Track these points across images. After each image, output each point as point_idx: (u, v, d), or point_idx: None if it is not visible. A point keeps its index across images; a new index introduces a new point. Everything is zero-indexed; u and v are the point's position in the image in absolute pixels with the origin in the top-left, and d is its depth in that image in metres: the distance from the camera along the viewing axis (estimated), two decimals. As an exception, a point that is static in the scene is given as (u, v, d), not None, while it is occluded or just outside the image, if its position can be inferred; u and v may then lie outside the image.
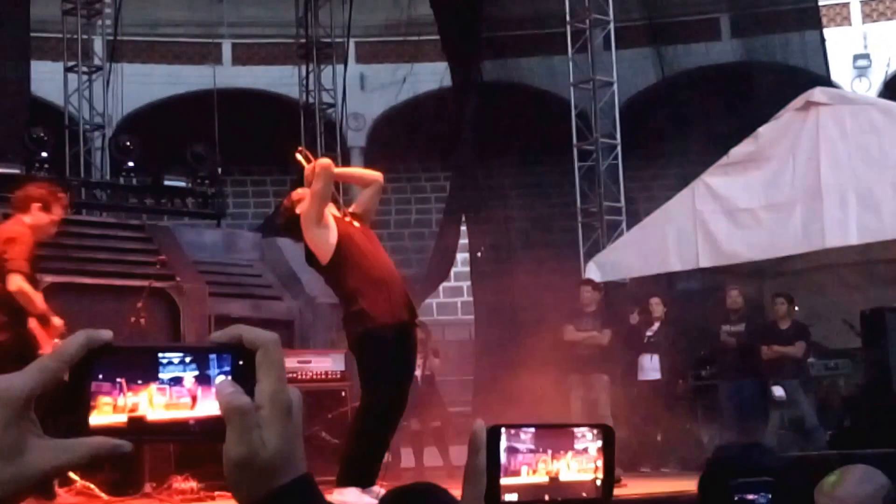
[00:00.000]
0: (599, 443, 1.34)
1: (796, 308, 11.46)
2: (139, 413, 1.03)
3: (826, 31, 16.21)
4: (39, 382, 0.98)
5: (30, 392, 0.98)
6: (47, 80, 17.44)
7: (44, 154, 14.32)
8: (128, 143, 15.11)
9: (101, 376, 1.02)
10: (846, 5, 18.73)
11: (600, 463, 1.33)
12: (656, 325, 11.86)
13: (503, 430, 1.29)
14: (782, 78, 14.01)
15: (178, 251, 11.14)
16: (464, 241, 17.20)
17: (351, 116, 19.84)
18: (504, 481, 1.27)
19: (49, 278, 9.98)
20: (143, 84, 19.17)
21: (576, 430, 1.34)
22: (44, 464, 0.98)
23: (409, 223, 21.01)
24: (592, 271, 12.36)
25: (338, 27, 19.40)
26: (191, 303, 10.14)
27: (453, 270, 17.93)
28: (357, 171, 7.03)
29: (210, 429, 1.04)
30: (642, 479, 8.83)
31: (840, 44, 17.45)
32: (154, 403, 1.03)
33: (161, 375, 1.04)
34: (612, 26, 15.15)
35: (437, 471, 10.88)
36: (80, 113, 16.95)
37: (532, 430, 1.31)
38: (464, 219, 16.96)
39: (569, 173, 14.92)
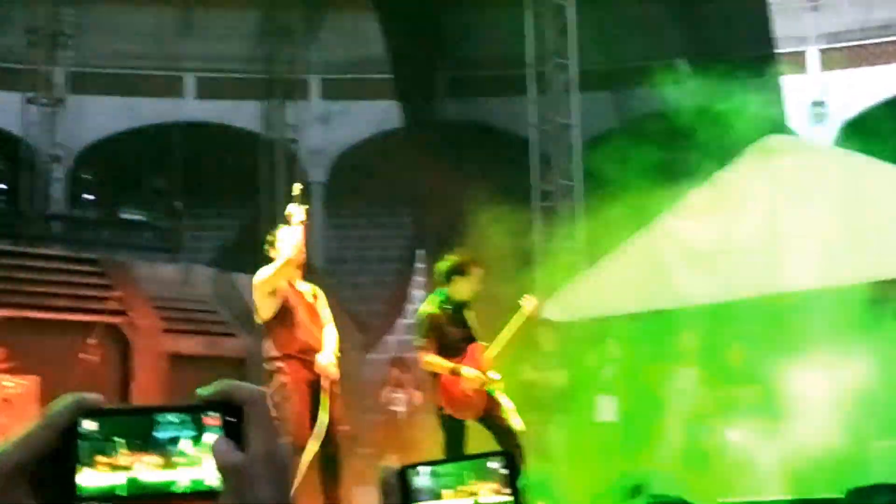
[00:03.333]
0: (506, 470, 1.35)
1: (749, 351, 11.50)
2: (132, 474, 1.03)
3: (783, 78, 16.41)
4: (30, 451, 0.98)
5: (20, 462, 0.97)
6: (7, 110, 17.32)
7: (1, 185, 14.23)
8: (86, 176, 15.04)
9: (94, 438, 1.02)
10: (803, 53, 18.98)
11: (509, 490, 1.35)
12: (611, 367, 11.87)
13: (415, 469, 1.30)
14: (740, 123, 14.14)
15: (132, 286, 11.06)
16: (422, 278, 17.20)
17: (313, 152, 19.84)
18: None
19: (0, 312, 9.88)
20: (104, 116, 19.06)
21: (477, 461, 1.37)
22: None
23: (370, 259, 20.96)
24: (550, 311, 12.36)
25: (302, 63, 19.45)
26: (144, 339, 10.06)
27: (411, 308, 17.88)
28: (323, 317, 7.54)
29: (204, 488, 1.04)
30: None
31: (797, 91, 17.65)
32: (147, 464, 1.04)
33: (154, 435, 1.04)
34: (572, 70, 15.25)
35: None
36: (40, 144, 16.84)
37: (444, 463, 1.33)
38: (424, 254, 16.96)
39: (528, 213, 14.97)
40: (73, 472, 1.01)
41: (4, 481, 0.97)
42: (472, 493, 1.33)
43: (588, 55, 16.05)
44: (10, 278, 11.00)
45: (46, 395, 8.76)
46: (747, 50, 15.11)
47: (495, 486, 1.34)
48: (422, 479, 1.30)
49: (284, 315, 7.29)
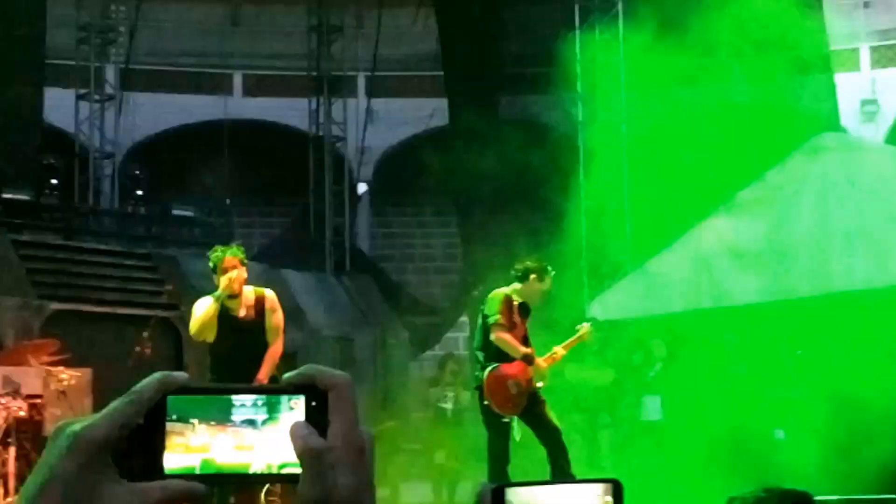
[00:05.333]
0: (610, 498, 1.28)
1: (798, 351, 11.42)
2: (211, 455, 1.04)
3: (836, 76, 16.25)
4: (116, 427, 0.99)
5: (106, 437, 0.98)
6: (59, 107, 17.51)
7: (54, 181, 14.40)
8: (137, 172, 15.19)
9: (175, 417, 1.03)
10: (855, 51, 18.81)
11: None
12: (658, 366, 11.83)
13: (512, 488, 1.26)
14: (792, 121, 14.02)
15: (183, 281, 11.16)
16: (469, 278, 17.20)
17: (359, 150, 19.90)
18: None
19: (54, 305, 10.04)
20: (154, 113, 19.24)
21: (580, 486, 1.30)
22: None
23: (414, 258, 21.01)
24: (596, 310, 12.35)
25: (349, 61, 19.51)
26: (195, 333, 10.14)
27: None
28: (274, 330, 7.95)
29: (280, 471, 1.05)
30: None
31: (848, 89, 17.49)
32: (226, 445, 1.04)
33: (234, 417, 1.05)
34: (621, 66, 15.19)
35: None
36: (91, 140, 17.02)
37: (534, 487, 1.28)
38: (464, 252, 16.97)
39: (576, 211, 14.93)
40: (159, 450, 1.02)
41: (89, 454, 0.97)
42: None
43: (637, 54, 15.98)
44: (64, 272, 11.17)
45: (99, 388, 8.88)
46: (802, 46, 14.98)
47: None
48: (519, 499, 1.25)
49: (216, 346, 7.70)
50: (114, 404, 1.00)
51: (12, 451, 7.99)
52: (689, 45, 15.89)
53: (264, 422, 1.05)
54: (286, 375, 1.07)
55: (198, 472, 1.03)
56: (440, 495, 12.11)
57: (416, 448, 12.56)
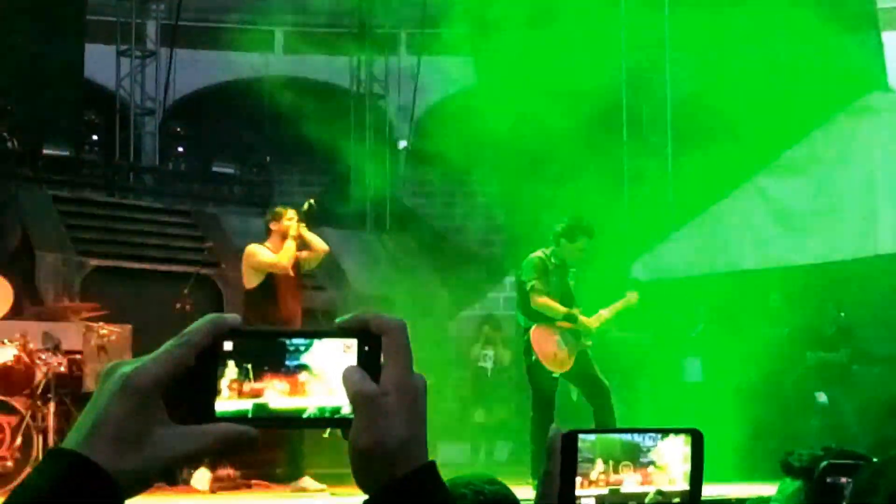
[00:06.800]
0: (685, 449, 1.28)
1: (842, 314, 11.29)
2: (263, 399, 1.02)
3: (884, 35, 15.94)
4: (167, 369, 0.98)
5: (157, 379, 0.97)
6: (100, 63, 17.53)
7: (94, 137, 14.46)
8: (178, 129, 15.21)
9: (227, 360, 1.02)
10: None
11: (680, 473, 1.27)
12: (700, 327, 11.75)
13: (585, 434, 1.26)
14: (839, 80, 13.81)
15: (223, 238, 11.20)
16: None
17: (400, 109, 19.83)
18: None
19: (94, 262, 10.09)
20: (195, 69, 19.23)
21: (654, 434, 1.29)
22: (170, 451, 0.98)
23: (455, 217, 20.95)
24: (638, 270, 12.28)
25: (392, 17, 19.38)
26: (235, 290, 10.19)
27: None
28: (316, 243, 8.62)
29: (333, 416, 1.04)
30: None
31: (894, 47, 17.16)
32: (279, 390, 1.03)
33: (287, 362, 1.03)
34: (667, 23, 15.01)
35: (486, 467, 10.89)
36: (132, 97, 17.05)
37: (603, 436, 1.28)
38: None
39: (619, 171, 14.82)
40: (211, 394, 1.01)
41: (140, 396, 0.96)
42: (611, 483, 1.27)
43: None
44: (105, 229, 11.25)
45: (139, 344, 8.94)
46: (848, 3, 14.71)
47: (645, 474, 1.28)
48: (591, 445, 1.25)
49: (267, 289, 8.08)
50: (165, 346, 0.99)
51: (52, 406, 8.07)
52: (734, 3, 15.70)
53: (317, 366, 1.04)
54: (339, 319, 1.05)
55: (250, 416, 1.02)
56: (478, 455, 12.13)
57: (454, 407, 12.59)
